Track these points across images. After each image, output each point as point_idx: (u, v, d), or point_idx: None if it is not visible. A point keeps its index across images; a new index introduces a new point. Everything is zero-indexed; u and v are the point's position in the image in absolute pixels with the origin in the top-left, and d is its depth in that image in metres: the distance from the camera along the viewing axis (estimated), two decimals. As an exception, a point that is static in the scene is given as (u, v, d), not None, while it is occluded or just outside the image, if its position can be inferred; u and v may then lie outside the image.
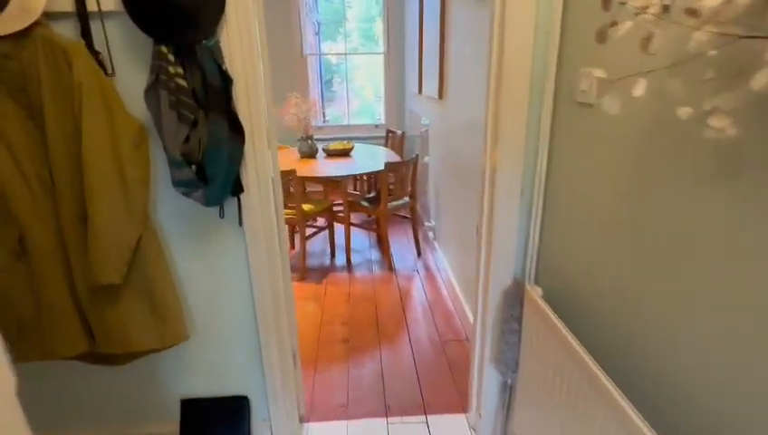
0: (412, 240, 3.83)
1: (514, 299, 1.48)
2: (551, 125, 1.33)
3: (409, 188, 3.42)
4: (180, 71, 1.20)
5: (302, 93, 5.24)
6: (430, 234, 3.65)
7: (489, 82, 1.40)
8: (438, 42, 2.91)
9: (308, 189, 4.39)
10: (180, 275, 1.50)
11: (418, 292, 3.08)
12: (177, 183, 1.26)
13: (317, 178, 3.18)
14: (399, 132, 4.58)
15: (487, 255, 1.58)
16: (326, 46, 6.15)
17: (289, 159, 3.71)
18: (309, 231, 3.74)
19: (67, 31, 1.19)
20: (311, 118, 3.74)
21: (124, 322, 1.30)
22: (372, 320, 2.74)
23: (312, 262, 3.54)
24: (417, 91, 3.99)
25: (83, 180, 1.14)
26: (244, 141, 1.32)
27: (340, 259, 3.60)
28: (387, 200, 3.22)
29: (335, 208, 3.75)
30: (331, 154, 3.82)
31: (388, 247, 3.43)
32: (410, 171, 3.36)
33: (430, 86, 3.30)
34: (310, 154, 3.75)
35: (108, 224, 1.17)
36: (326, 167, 3.41)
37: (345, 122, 6.00)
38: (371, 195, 3.65)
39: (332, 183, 3.58)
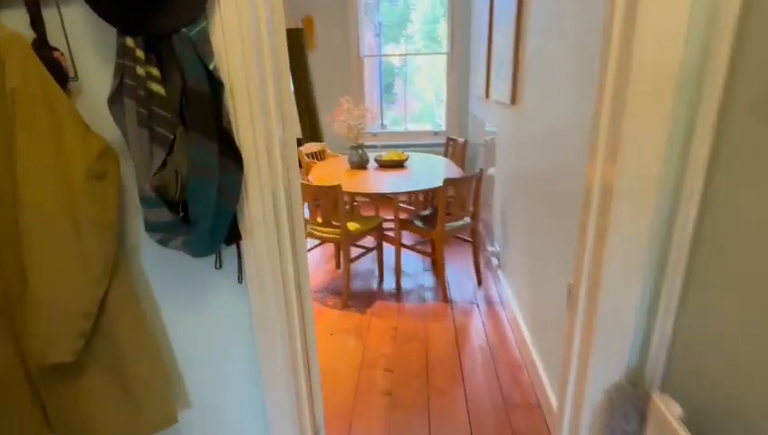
0: (472, 266, 3.35)
1: (628, 409, 1.00)
2: (711, 144, 0.83)
3: (471, 208, 2.95)
4: (155, 72, 0.85)
5: (357, 98, 4.92)
6: (494, 260, 3.15)
7: (604, 80, 0.93)
8: (513, 38, 2.43)
9: (356, 201, 4.03)
10: (170, 336, 1.17)
11: (477, 331, 2.61)
12: (149, 227, 0.92)
13: (365, 193, 2.80)
14: (461, 141, 4.10)
15: (586, 330, 1.10)
16: (387, 49, 5.81)
17: (337, 169, 3.38)
18: (355, 251, 3.39)
19: (15, 21, 0.89)
20: (364, 124, 3.38)
21: (86, 406, 0.98)
22: (421, 367, 2.31)
23: (357, 284, 3.18)
24: (483, 96, 3.51)
25: (19, 224, 0.83)
26: (242, 170, 0.95)
27: (389, 283, 3.20)
28: (444, 221, 2.78)
29: (385, 225, 3.37)
30: (383, 165, 3.44)
31: (444, 274, 2.98)
32: (473, 188, 2.89)
33: (500, 89, 2.81)
34: (360, 165, 3.40)
35: (52, 286, 0.85)
36: (376, 180, 3.03)
37: (403, 128, 5.61)
38: (427, 212, 3.22)
39: (383, 198, 3.19)
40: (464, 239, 3.15)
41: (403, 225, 3.03)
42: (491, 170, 3.49)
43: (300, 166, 3.99)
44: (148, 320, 1.08)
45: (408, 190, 2.84)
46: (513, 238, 2.63)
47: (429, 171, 3.26)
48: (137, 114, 0.84)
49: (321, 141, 4.70)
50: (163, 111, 0.86)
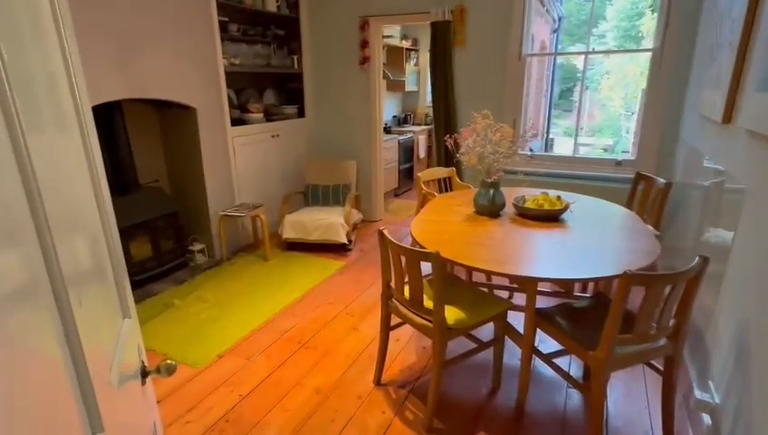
0: (656, 413, 2.00)
1: None
2: None
3: (673, 321, 1.65)
4: None
5: (510, 109, 3.78)
6: (704, 418, 1.76)
7: None
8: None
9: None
10: None
11: None
12: None
13: (480, 269, 1.75)
14: (661, 182, 2.66)
15: None
16: (570, 50, 4.52)
17: (455, 213, 2.38)
18: (462, 344, 2.34)
19: None
20: (511, 155, 2.29)
21: None
22: None
23: (456, 388, 2.14)
24: (717, 117, 2.07)
25: None
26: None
27: (507, 395, 2.09)
28: (614, 342, 1.56)
29: (514, 314, 2.25)
30: (524, 215, 2.31)
31: (601, 427, 1.74)
32: (681, 288, 1.59)
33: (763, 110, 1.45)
34: (490, 212, 2.34)
35: None
36: (506, 244, 1.94)
37: (571, 149, 4.25)
38: (584, 303, 1.99)
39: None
40: (650, 367, 1.85)
41: (540, 321, 1.88)
42: (710, 236, 2.06)
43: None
44: None
45: (557, 279, 1.69)
46: (765, 388, 1.28)
47: (601, 235, 2.01)
48: None
49: (453, 166, 3.73)
50: None
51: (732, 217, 1.84)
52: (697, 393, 1.76)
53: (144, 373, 0.95)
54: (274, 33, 4.22)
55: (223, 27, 3.59)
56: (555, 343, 1.85)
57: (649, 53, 3.32)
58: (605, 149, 9.07)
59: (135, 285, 3.18)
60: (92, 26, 2.61)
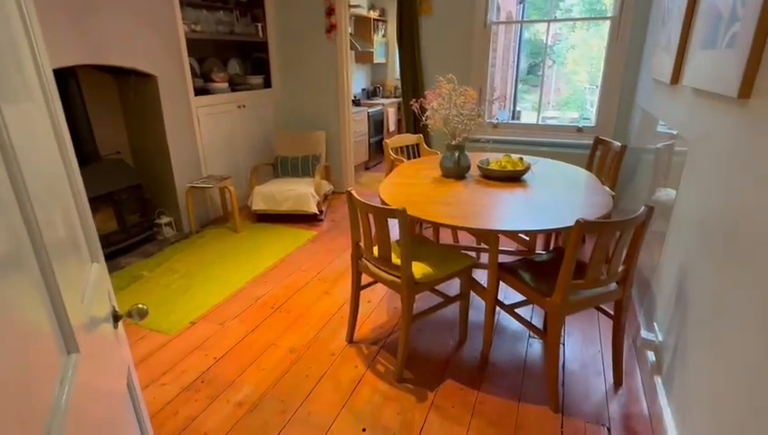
0: (607, 356, 2.17)
1: None
2: None
3: (622, 267, 1.78)
4: None
5: (477, 78, 3.84)
6: (648, 354, 1.92)
7: None
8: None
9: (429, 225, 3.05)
10: None
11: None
12: None
13: (445, 224, 1.82)
14: (617, 145, 2.80)
15: None
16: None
17: (423, 176, 2.44)
18: (429, 299, 2.45)
19: None
20: (475, 117, 2.35)
21: None
22: None
23: (425, 342, 2.25)
24: (667, 79, 2.19)
25: None
26: None
27: (472, 348, 2.21)
28: (569, 286, 1.68)
29: (479, 269, 2.35)
30: (489, 176, 2.40)
31: (558, 366, 1.88)
32: (629, 236, 1.71)
33: (713, 70, 1.55)
34: (455, 173, 2.41)
35: None
36: (470, 202, 2.02)
37: (538, 119, 4.37)
38: (544, 256, 2.11)
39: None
40: (601, 311, 1.99)
41: (503, 274, 1.98)
42: (660, 195, 2.20)
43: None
44: None
45: (516, 230, 1.78)
46: (698, 327, 1.42)
47: (559, 193, 2.12)
48: None
49: (422, 133, 3.77)
50: None
51: (678, 176, 1.97)
52: (643, 333, 1.92)
53: (116, 317, 0.97)
54: (237, 0, 4.09)
55: (182, -9, 3.46)
56: (518, 296, 1.96)
57: (608, 22, 3.42)
58: (570, 122, 9.31)
59: (101, 259, 3.11)
60: (40, -14, 2.47)
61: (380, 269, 2.00)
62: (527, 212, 1.90)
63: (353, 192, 1.92)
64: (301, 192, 3.71)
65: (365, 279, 2.20)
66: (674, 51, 2.10)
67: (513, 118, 6.69)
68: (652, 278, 2.13)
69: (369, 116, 5.67)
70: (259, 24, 4.23)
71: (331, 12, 4.12)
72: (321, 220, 3.94)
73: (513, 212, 1.91)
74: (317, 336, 2.33)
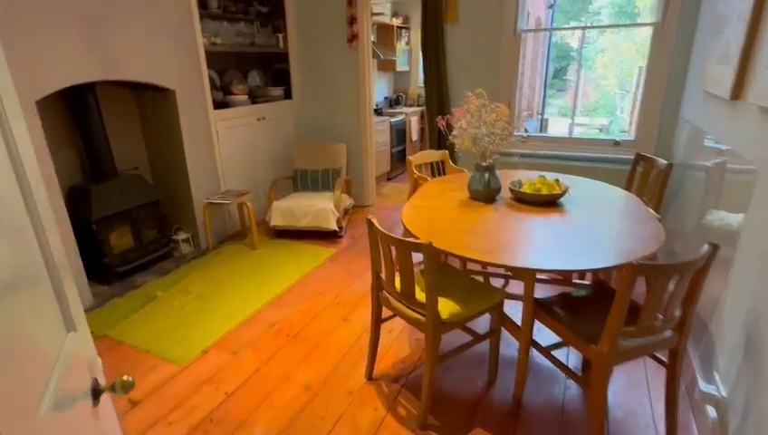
0: (658, 404, 1.93)
1: None
2: None
3: (679, 312, 1.56)
4: None
5: (505, 89, 3.64)
6: (709, 410, 1.69)
7: None
8: None
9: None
10: None
11: None
12: None
13: (475, 260, 1.64)
14: (662, 163, 2.56)
15: None
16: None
17: (449, 198, 2.26)
18: (448, 337, 2.26)
19: None
20: (507, 136, 2.16)
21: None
22: None
23: (451, 382, 2.06)
24: (725, 93, 1.95)
25: None
26: None
27: (503, 389, 2.01)
28: (618, 333, 1.47)
29: (510, 303, 2.15)
30: (521, 199, 2.20)
31: (602, 423, 1.66)
32: (688, 278, 1.49)
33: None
34: (485, 197, 2.22)
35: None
36: (502, 232, 1.83)
37: (568, 130, 4.13)
38: (583, 292, 1.90)
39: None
40: (654, 359, 1.76)
41: (539, 312, 1.79)
42: (712, 219, 1.97)
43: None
44: None
45: (557, 269, 1.59)
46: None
47: (601, 220, 1.91)
48: None
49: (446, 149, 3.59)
50: None
51: (739, 198, 1.74)
52: (702, 385, 1.68)
53: (96, 392, 0.84)
54: (257, 10, 4.01)
55: (202, 3, 3.39)
56: (552, 332, 1.76)
57: (650, 29, 3.18)
58: (600, 129, 8.93)
59: (117, 277, 3.05)
60: (57, 1, 2.42)
61: (403, 304, 1.83)
62: (567, 244, 1.70)
63: (374, 220, 1.76)
64: (320, 208, 3.58)
65: (386, 311, 2.03)
66: (734, 63, 1.86)
67: (541, 127, 6.44)
68: (710, 320, 1.89)
69: (391, 126, 5.53)
70: (280, 35, 4.14)
71: (352, 21, 4.00)
72: (341, 237, 3.80)
73: (551, 244, 1.72)
74: (334, 370, 2.17)
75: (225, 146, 3.67)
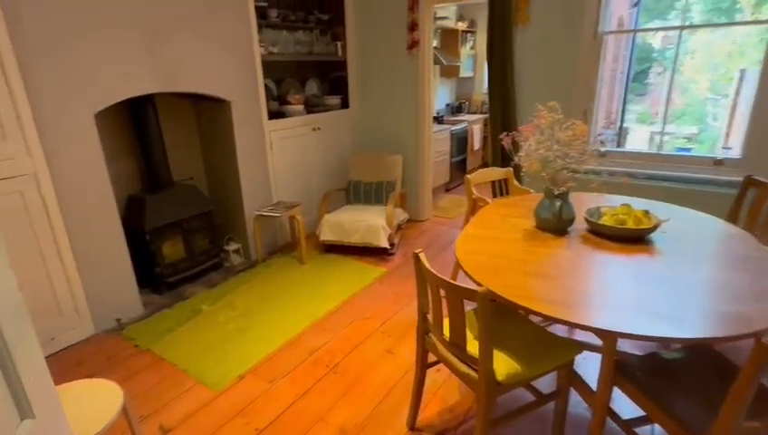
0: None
1: None
2: None
3: (820, 403, 1.17)
4: None
5: (582, 98, 3.26)
6: None
7: None
8: None
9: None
10: None
11: None
12: None
13: (541, 314, 1.36)
14: (783, 192, 2.08)
15: None
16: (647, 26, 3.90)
17: (511, 228, 1.97)
18: (507, 397, 1.94)
19: None
20: (582, 157, 1.84)
21: None
22: None
23: (508, 444, 1.77)
24: None
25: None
26: None
27: (571, 462, 1.69)
28: (736, 413, 1.12)
29: (581, 358, 1.80)
30: (599, 233, 1.86)
31: None
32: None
33: None
34: (555, 228, 1.91)
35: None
36: (575, 278, 1.53)
37: (655, 144, 3.63)
38: (677, 353, 1.54)
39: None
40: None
41: (620, 379, 1.46)
42: None
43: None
44: None
45: (651, 337, 1.25)
46: None
47: (704, 265, 1.54)
48: None
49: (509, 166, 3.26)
50: None
51: None
52: None
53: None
54: (318, 18, 3.93)
55: (261, 13, 3.35)
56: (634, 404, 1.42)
57: (758, 27, 2.66)
58: (688, 138, 7.99)
59: (167, 287, 3.07)
60: (118, 15, 2.44)
61: (452, 354, 1.58)
62: (661, 298, 1.36)
63: (422, 257, 1.53)
64: (371, 224, 3.40)
65: (432, 356, 1.79)
66: None
67: (619, 136, 5.83)
68: None
69: (451, 134, 5.25)
70: (339, 43, 4.03)
71: (413, 27, 3.79)
72: (393, 254, 3.59)
73: (639, 296, 1.38)
74: (373, 413, 1.96)
75: (278, 157, 3.61)
